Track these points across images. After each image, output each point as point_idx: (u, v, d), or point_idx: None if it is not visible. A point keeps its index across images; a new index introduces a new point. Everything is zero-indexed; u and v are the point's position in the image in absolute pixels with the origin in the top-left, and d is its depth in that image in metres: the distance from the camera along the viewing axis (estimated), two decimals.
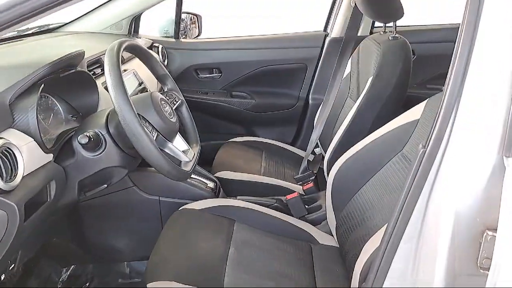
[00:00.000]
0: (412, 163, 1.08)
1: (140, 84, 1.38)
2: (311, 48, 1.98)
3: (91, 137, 0.86)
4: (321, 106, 1.73)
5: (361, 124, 1.42)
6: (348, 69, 1.70)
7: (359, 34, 1.89)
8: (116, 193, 1.29)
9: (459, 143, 0.62)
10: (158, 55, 1.89)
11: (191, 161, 1.02)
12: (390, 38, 1.47)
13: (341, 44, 1.70)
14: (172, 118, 0.99)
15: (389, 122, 1.18)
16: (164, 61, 1.94)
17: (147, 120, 0.93)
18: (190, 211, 1.25)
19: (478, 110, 0.62)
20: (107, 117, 0.95)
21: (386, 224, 0.95)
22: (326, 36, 1.98)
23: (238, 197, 1.40)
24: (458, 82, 0.65)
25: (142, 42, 1.82)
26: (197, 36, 2.12)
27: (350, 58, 1.69)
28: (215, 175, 1.58)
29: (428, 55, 1.91)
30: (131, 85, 1.32)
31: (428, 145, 0.64)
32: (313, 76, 2.01)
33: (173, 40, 2.04)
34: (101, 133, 0.91)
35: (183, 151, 1.04)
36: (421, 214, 0.67)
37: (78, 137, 0.84)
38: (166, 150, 0.98)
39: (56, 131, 1.03)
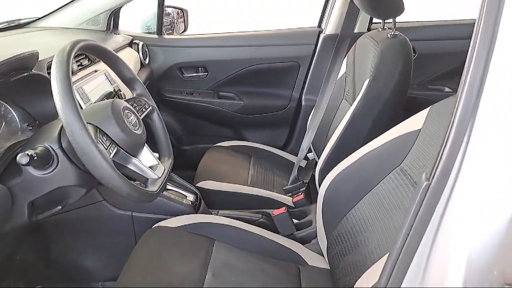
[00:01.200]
0: (410, 180, 0.97)
1: (113, 89, 1.25)
2: (304, 46, 1.85)
3: (35, 155, 0.74)
4: (314, 108, 1.60)
5: (357, 130, 1.30)
6: (343, 69, 1.58)
7: (355, 31, 1.78)
8: (83, 208, 1.17)
9: (472, 174, 0.50)
10: (138, 52, 1.76)
11: (159, 178, 0.90)
12: (389, 36, 1.35)
13: (336, 42, 1.58)
14: (137, 129, 0.87)
15: (387, 132, 1.06)
16: (145, 59, 1.81)
17: (105, 134, 0.81)
18: (164, 229, 1.13)
19: (500, 130, 0.49)
20: (61, 128, 0.83)
21: (382, 258, 0.84)
22: (320, 32, 1.86)
23: (220, 211, 1.28)
24: (474, 92, 0.49)
25: (120, 39, 1.69)
26: (183, 32, 1.99)
27: (346, 57, 1.57)
28: (197, 184, 1.46)
29: (429, 53, 1.78)
30: (100, 89, 1.19)
31: (433, 176, 0.52)
32: (306, 75, 1.88)
33: (156, 36, 1.91)
34: (52, 148, 0.79)
35: (150, 167, 0.92)
36: (423, 260, 0.55)
37: (18, 156, 0.72)
38: (130, 167, 0.86)
39: (7, 143, 0.91)
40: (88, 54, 1.22)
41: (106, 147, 0.78)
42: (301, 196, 1.39)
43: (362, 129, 1.30)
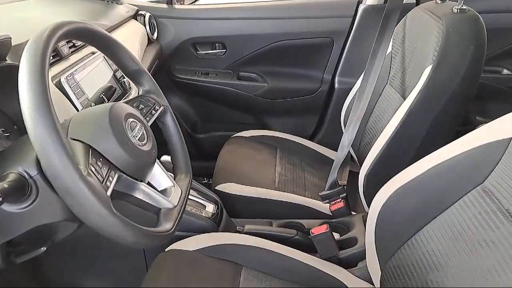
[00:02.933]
0: (498, 205, 0.75)
1: (115, 77, 1.02)
2: (339, 19, 1.59)
3: (5, 188, 0.53)
4: (353, 97, 1.37)
5: (414, 130, 1.08)
6: (389, 48, 1.33)
7: (405, 1, 1.50)
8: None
9: None
10: (145, 26, 1.52)
11: (175, 207, 0.69)
12: (456, 10, 1.09)
13: (383, 14, 1.32)
14: (144, 144, 0.66)
15: (461, 139, 0.84)
16: (153, 33, 1.57)
17: (101, 155, 0.59)
18: (180, 253, 0.94)
19: None
20: None
21: None
22: (359, 3, 1.59)
23: (246, 227, 1.08)
24: None
25: (123, 10, 1.45)
26: (194, 1, 1.73)
27: (393, 33, 1.31)
28: (216, 187, 1.25)
29: (493, 28, 1.51)
30: (99, 78, 0.97)
31: None
32: (341, 54, 1.63)
33: (165, 6, 1.66)
34: (29, 175, 0.57)
35: (163, 191, 0.71)
36: None
37: None
38: (136, 195, 0.65)
39: None
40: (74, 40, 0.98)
41: (102, 177, 0.57)
42: (341, 204, 1.18)
43: (420, 128, 1.07)
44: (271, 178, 1.34)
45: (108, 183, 0.56)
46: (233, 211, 1.21)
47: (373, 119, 1.35)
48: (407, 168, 0.91)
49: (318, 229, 1.01)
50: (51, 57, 0.89)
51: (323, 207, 1.22)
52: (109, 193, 0.56)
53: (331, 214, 1.20)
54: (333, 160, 1.55)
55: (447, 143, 1.14)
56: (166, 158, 1.04)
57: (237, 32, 1.64)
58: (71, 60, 0.95)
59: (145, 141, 0.66)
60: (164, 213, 0.68)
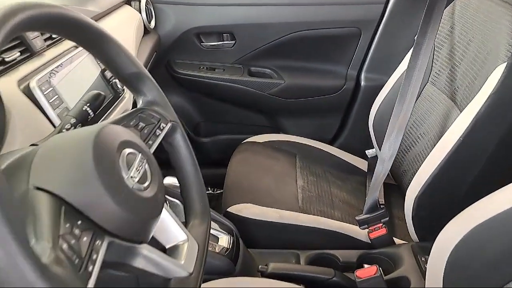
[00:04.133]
0: None
1: (103, 77, 0.81)
2: (368, 5, 1.37)
3: None
4: (384, 97, 1.16)
5: (479, 145, 0.87)
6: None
7: None
8: None
9: None
10: (141, 13, 1.30)
11: (191, 275, 0.48)
12: None
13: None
14: (147, 188, 0.44)
15: None
16: (150, 22, 1.35)
17: (81, 214, 0.38)
18: None
19: None
20: None
21: None
22: None
23: (271, 265, 0.88)
24: None
25: None
26: None
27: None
28: (229, 209, 1.05)
29: None
30: (82, 80, 0.75)
31: None
32: (369, 46, 1.42)
33: None
34: None
35: (172, 249, 0.50)
36: None
37: None
38: (136, 264, 0.44)
39: None
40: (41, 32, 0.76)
41: (81, 257, 0.35)
42: (383, 231, 0.98)
43: (488, 142, 0.87)
44: (294, 195, 1.14)
45: (89, 266, 0.35)
46: (250, 240, 1.00)
47: (411, 123, 1.15)
48: (489, 197, 0.71)
49: (365, 271, 0.81)
50: (19, 53, 0.68)
51: (360, 233, 1.02)
52: (91, 284, 0.35)
53: (370, 242, 1.01)
54: (360, 168, 1.37)
55: None
56: (170, 180, 0.83)
57: (248, 20, 1.42)
58: (46, 57, 0.73)
59: (148, 183, 0.45)
60: (176, 284, 0.47)
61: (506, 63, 0.83)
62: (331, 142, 1.53)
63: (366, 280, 0.79)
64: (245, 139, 1.38)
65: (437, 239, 0.76)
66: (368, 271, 0.80)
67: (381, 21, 1.37)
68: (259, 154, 1.30)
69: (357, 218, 1.02)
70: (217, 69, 1.49)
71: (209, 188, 1.65)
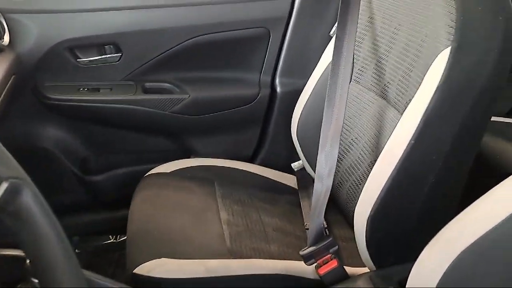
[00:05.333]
0: None
1: None
2: (274, 1, 1.23)
3: None
4: (325, 104, 1.02)
5: (433, 146, 0.75)
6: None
7: None
8: None
9: None
10: None
11: None
12: None
13: None
14: None
15: None
16: (2, 37, 1.05)
17: None
18: None
19: None
20: None
21: None
22: None
23: None
24: None
25: None
26: None
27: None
28: (135, 271, 0.80)
29: None
30: None
31: None
32: (280, 47, 1.27)
33: None
34: None
35: None
36: None
37: None
38: None
39: None
40: None
41: None
42: (334, 263, 0.82)
43: (443, 141, 0.75)
44: (219, 235, 0.93)
45: None
46: None
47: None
48: (467, 212, 0.58)
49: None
50: None
51: (307, 271, 0.84)
52: None
53: (319, 278, 0.83)
54: (288, 186, 1.22)
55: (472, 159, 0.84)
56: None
57: (135, 26, 1.18)
58: None
59: None
60: None
61: (449, 47, 0.72)
62: (251, 160, 1.36)
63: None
64: (148, 171, 1.14)
65: (413, 269, 0.61)
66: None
67: (290, 18, 1.24)
68: (167, 187, 1.07)
69: (301, 253, 0.83)
70: (102, 89, 1.21)
71: (110, 237, 1.36)
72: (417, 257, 0.61)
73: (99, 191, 1.31)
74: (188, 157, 1.26)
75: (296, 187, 1.20)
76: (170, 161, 1.18)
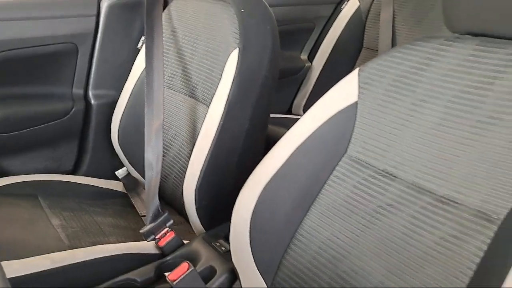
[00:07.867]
0: (371, 168, 0.76)
1: None
2: (80, 18, 1.31)
3: None
4: (145, 108, 1.16)
5: (237, 124, 1.00)
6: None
7: None
8: None
9: None
10: None
11: None
12: None
13: (129, 9, 1.17)
14: None
15: (306, 116, 0.84)
16: None
17: None
18: None
19: None
20: None
21: None
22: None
23: None
24: None
25: None
26: None
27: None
28: None
29: None
30: None
31: None
32: (90, 61, 1.36)
33: None
34: None
35: None
36: None
37: None
38: None
39: None
40: None
41: None
42: (172, 234, 0.97)
43: (243, 120, 1.00)
44: (55, 236, 0.97)
45: None
46: None
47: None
48: (263, 163, 0.83)
49: (177, 272, 0.77)
50: None
51: (149, 246, 0.97)
52: None
53: (161, 251, 0.97)
54: (117, 190, 1.31)
55: (265, 130, 1.12)
56: None
57: None
58: None
59: None
60: None
61: (237, 48, 0.98)
62: (73, 172, 1.39)
63: (181, 280, 0.76)
64: None
65: (234, 214, 0.82)
66: (179, 270, 0.77)
67: (97, 34, 1.34)
68: None
69: (141, 231, 0.96)
70: None
71: None
72: None
73: None
74: (1, 176, 1.22)
75: (124, 191, 1.30)
76: None
